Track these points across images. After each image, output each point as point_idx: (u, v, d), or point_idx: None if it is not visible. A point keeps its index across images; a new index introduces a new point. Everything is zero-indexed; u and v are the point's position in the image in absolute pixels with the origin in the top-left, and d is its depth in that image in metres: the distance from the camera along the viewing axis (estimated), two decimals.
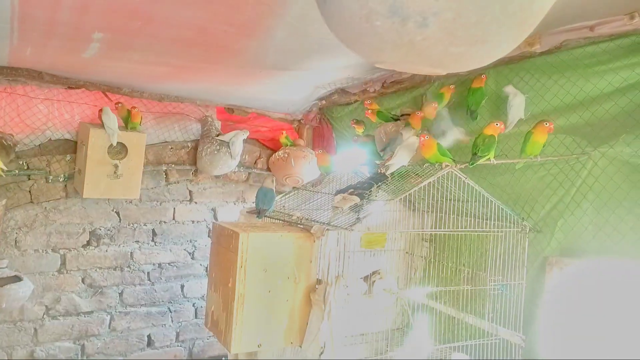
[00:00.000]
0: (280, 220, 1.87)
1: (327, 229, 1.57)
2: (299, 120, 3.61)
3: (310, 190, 2.16)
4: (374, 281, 1.63)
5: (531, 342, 1.95)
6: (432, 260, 2.39)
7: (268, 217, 1.90)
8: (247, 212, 2.06)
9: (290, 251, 1.64)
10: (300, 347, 1.65)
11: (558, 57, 2.00)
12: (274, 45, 1.79)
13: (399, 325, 2.11)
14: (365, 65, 2.59)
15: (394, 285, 1.65)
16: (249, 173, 3.53)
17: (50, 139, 2.86)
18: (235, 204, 3.52)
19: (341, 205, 1.79)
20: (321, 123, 3.54)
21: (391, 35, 0.67)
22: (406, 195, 1.81)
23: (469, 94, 2.20)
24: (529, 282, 1.97)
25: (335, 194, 1.91)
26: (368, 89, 2.93)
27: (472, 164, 1.85)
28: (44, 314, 2.92)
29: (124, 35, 1.78)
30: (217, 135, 3.14)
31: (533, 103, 2.06)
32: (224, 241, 1.70)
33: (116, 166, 2.68)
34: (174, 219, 3.31)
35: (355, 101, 3.12)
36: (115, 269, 3.13)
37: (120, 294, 3.15)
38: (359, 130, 2.79)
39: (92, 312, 3.07)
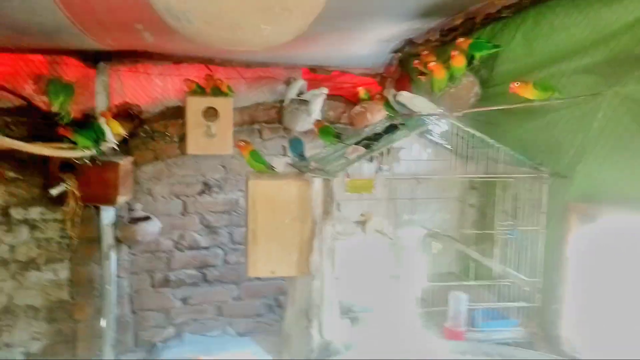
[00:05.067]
0: (299, 170, 2.14)
1: (313, 177, 1.80)
2: (382, 74, 3.72)
3: (345, 143, 2.35)
4: (364, 222, 1.82)
5: (553, 288, 1.94)
6: (477, 206, 2.44)
7: (293, 166, 2.19)
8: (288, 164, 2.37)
9: (294, 195, 1.92)
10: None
11: None
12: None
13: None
14: (417, 14, 2.59)
15: (385, 227, 1.81)
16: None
17: (166, 107, 3.52)
18: None
19: (350, 156, 1.98)
20: (401, 75, 3.61)
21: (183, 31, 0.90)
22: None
23: None
24: (550, 229, 1.94)
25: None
26: (430, 38, 2.93)
27: None
28: (173, 247, 3.69)
29: None
30: (299, 95, 3.47)
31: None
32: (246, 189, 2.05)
33: (208, 127, 3.21)
34: None
35: (423, 51, 3.12)
36: (224, 213, 3.75)
37: (230, 234, 3.78)
38: (423, 80, 2.87)
39: (209, 247, 3.75)
